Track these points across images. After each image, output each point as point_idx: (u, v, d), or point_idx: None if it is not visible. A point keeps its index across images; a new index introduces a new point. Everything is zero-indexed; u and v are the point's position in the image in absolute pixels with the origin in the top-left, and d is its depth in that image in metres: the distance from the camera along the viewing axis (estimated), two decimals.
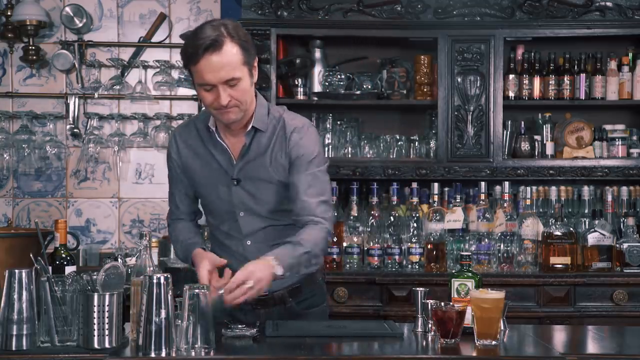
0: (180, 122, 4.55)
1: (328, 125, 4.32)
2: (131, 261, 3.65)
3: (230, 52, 2.42)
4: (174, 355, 2.13)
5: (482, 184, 4.09)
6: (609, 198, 4.24)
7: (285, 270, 2.43)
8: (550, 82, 4.31)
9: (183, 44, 2.53)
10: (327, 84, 4.32)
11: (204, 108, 2.67)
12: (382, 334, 2.44)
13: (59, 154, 4.54)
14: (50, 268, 2.35)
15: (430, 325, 2.45)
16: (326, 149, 4.27)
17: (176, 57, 4.55)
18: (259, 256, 2.50)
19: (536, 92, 4.32)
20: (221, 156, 2.63)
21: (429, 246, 3.98)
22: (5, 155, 4.48)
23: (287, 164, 2.60)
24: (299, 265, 2.49)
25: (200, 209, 2.82)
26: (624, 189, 4.28)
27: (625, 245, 3.97)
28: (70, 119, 4.54)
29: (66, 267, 2.50)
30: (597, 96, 4.31)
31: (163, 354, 2.12)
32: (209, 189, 2.67)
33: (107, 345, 2.18)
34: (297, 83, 4.30)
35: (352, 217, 4.09)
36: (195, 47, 2.41)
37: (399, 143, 4.34)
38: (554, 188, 4.25)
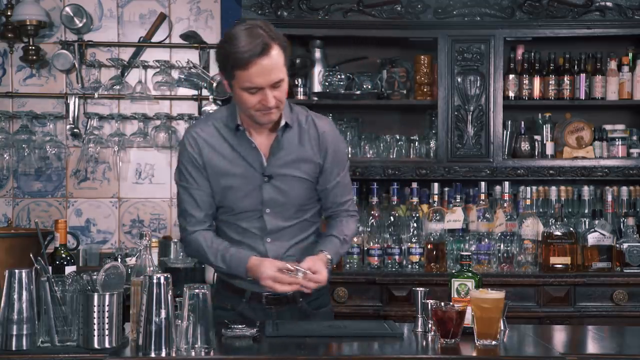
0: (180, 122, 4.56)
1: None
2: (131, 261, 3.66)
3: (277, 55, 2.46)
4: (174, 355, 2.14)
5: (482, 184, 4.09)
6: (609, 198, 4.24)
7: (333, 258, 2.65)
8: (550, 82, 4.32)
9: (222, 50, 2.50)
10: (327, 84, 4.32)
11: (222, 108, 2.68)
12: (382, 334, 2.44)
13: (59, 154, 4.54)
14: (50, 268, 2.35)
15: (430, 325, 2.45)
16: None
17: (176, 57, 4.56)
18: (278, 254, 2.61)
19: (536, 92, 4.32)
20: (250, 154, 2.62)
21: (429, 246, 3.98)
22: (5, 155, 4.48)
23: (321, 162, 2.67)
24: (339, 254, 2.74)
25: None
26: (624, 189, 4.28)
27: (625, 245, 3.97)
28: (70, 119, 4.54)
29: (66, 267, 2.50)
30: (597, 96, 4.31)
31: (163, 354, 2.12)
32: (235, 188, 2.63)
33: (107, 345, 2.18)
34: (297, 83, 4.31)
35: None
36: (244, 52, 2.41)
37: (399, 143, 4.34)
38: (554, 188, 4.25)
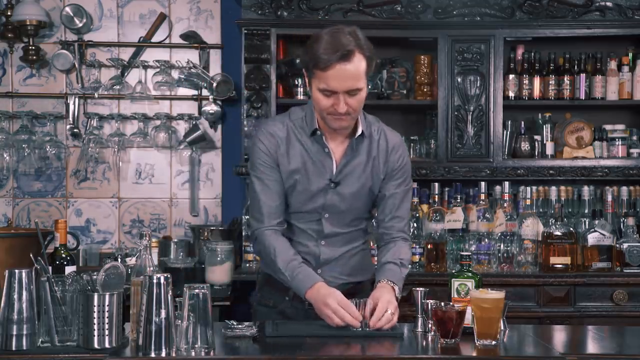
0: (180, 122, 4.56)
1: None
2: (131, 261, 3.65)
3: (358, 63, 2.48)
4: (174, 355, 2.14)
5: (482, 184, 4.09)
6: (609, 198, 4.24)
7: (399, 289, 2.61)
8: (550, 82, 4.32)
9: (307, 48, 2.54)
10: None
11: (296, 108, 2.71)
12: (382, 334, 2.43)
13: (59, 154, 4.54)
14: (50, 268, 2.34)
15: (430, 325, 2.45)
16: None
17: (176, 57, 4.55)
18: (330, 257, 2.66)
19: (536, 92, 4.32)
20: (321, 156, 2.64)
21: (429, 246, 3.98)
22: (5, 155, 4.48)
23: (383, 175, 2.69)
24: (401, 281, 2.66)
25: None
26: (624, 189, 4.28)
27: (625, 245, 3.97)
28: (70, 119, 4.54)
29: (66, 267, 2.50)
30: (597, 96, 4.31)
31: (163, 354, 2.12)
32: (300, 189, 2.65)
33: (107, 345, 2.18)
34: (297, 83, 4.31)
35: None
36: (330, 53, 2.45)
37: None
38: (554, 188, 4.25)
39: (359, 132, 2.64)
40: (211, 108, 4.51)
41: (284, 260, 2.58)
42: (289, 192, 2.67)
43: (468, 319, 2.34)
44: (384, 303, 2.46)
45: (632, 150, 4.31)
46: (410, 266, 2.75)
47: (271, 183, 2.65)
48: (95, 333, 2.17)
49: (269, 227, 2.64)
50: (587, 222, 4.20)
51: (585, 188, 4.26)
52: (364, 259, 2.80)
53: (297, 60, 4.31)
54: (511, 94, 4.30)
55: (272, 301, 2.73)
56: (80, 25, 4.48)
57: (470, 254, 2.56)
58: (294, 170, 2.64)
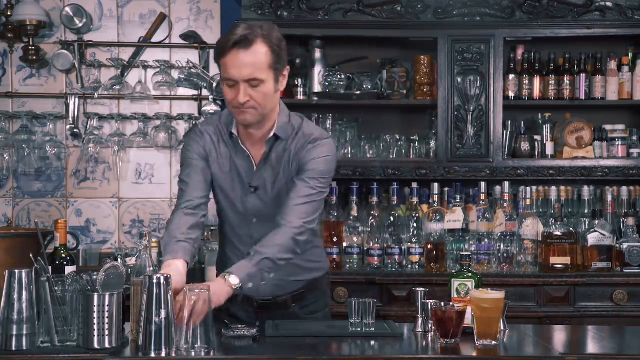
0: (180, 122, 4.56)
1: (328, 126, 4.31)
2: (131, 261, 3.65)
3: (259, 52, 2.42)
4: (174, 355, 2.14)
5: (482, 184, 4.09)
6: (609, 198, 4.24)
7: (243, 280, 2.39)
8: (550, 82, 4.31)
9: (220, 38, 2.51)
10: (327, 84, 4.32)
11: (226, 110, 2.67)
12: (382, 334, 2.44)
13: (59, 154, 4.54)
14: (50, 268, 2.35)
15: (430, 325, 2.45)
16: None
17: (176, 57, 4.56)
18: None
19: (536, 92, 4.32)
20: (242, 162, 2.62)
21: (429, 246, 3.98)
22: (5, 155, 4.48)
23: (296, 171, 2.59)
24: (261, 272, 2.44)
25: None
26: (624, 189, 4.28)
27: (625, 245, 3.97)
28: (70, 119, 4.53)
29: (66, 267, 2.50)
30: (597, 96, 4.31)
31: (163, 354, 2.12)
32: (224, 194, 2.65)
33: (107, 345, 2.18)
34: (297, 83, 4.30)
35: (352, 217, 4.09)
36: (226, 41, 2.42)
37: (399, 143, 4.34)
38: (554, 188, 4.25)
39: (271, 134, 2.58)
40: (211, 108, 4.51)
41: (167, 240, 2.51)
42: (218, 196, 2.65)
43: (468, 319, 2.35)
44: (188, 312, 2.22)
45: (632, 150, 4.31)
46: (271, 256, 2.45)
47: (194, 174, 2.61)
48: (95, 333, 2.17)
49: (178, 209, 2.60)
50: (587, 222, 4.20)
51: (585, 188, 4.26)
52: (311, 256, 2.70)
53: (297, 60, 4.31)
54: (511, 94, 4.30)
55: (225, 305, 2.58)
56: (80, 25, 4.48)
57: (470, 254, 2.56)
58: (220, 175, 2.63)
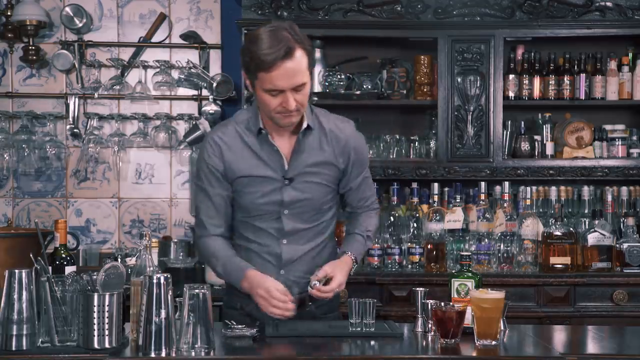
0: (180, 122, 4.56)
1: None
2: (131, 261, 3.66)
3: (300, 58, 2.48)
4: (174, 355, 2.14)
5: (482, 184, 4.09)
6: (609, 198, 4.24)
7: (357, 262, 2.75)
8: (550, 82, 4.32)
9: (246, 51, 2.50)
10: (327, 84, 4.32)
11: (242, 111, 2.72)
12: (382, 334, 2.44)
13: (59, 154, 4.54)
14: (50, 268, 2.35)
15: (430, 325, 2.45)
16: None
17: (176, 57, 4.56)
18: (292, 257, 2.64)
19: (536, 92, 4.32)
20: (271, 157, 2.63)
21: (429, 246, 3.98)
22: (5, 155, 4.48)
23: (342, 166, 2.69)
24: (364, 253, 2.86)
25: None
26: (624, 189, 4.28)
27: (625, 245, 3.97)
28: (70, 119, 4.53)
29: (66, 267, 2.50)
30: (597, 96, 4.31)
31: (163, 354, 2.12)
32: (255, 191, 2.64)
33: (107, 345, 2.18)
34: None
35: None
36: (270, 54, 2.43)
37: (399, 143, 4.34)
38: (554, 188, 4.25)
39: (305, 125, 2.63)
40: (211, 108, 4.51)
41: (216, 259, 2.66)
42: (244, 194, 2.65)
43: (468, 319, 2.35)
44: (336, 284, 2.59)
45: (632, 150, 4.31)
46: (372, 239, 2.87)
47: (214, 197, 2.67)
48: (95, 333, 2.17)
49: (210, 235, 2.68)
50: (587, 222, 4.20)
51: (585, 188, 4.26)
52: (330, 257, 2.75)
53: None
54: (511, 94, 4.30)
55: (239, 304, 2.71)
56: (80, 25, 4.48)
57: (470, 254, 2.56)
58: (246, 173, 2.63)
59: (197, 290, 2.18)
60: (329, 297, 2.60)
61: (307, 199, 2.65)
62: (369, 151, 4.27)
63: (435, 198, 4.12)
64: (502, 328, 2.43)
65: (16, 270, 2.20)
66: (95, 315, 2.17)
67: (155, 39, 4.60)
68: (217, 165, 2.64)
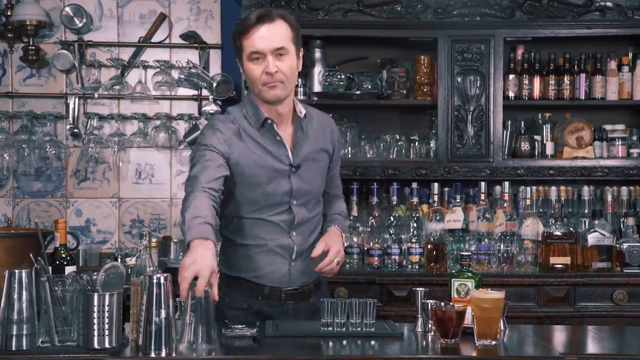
0: (180, 122, 4.56)
1: None
2: (131, 261, 3.65)
3: (281, 25, 2.60)
4: (174, 355, 2.14)
5: (482, 184, 4.09)
6: (609, 198, 4.24)
7: (345, 233, 2.92)
8: (550, 82, 4.32)
9: (236, 26, 2.69)
10: (327, 84, 4.32)
11: (241, 104, 2.72)
12: (382, 334, 2.44)
13: (59, 154, 4.54)
14: (50, 268, 2.35)
15: (430, 325, 2.45)
16: None
17: (176, 57, 4.56)
18: (303, 247, 2.69)
19: (536, 92, 4.32)
20: (275, 147, 2.67)
21: (429, 246, 3.98)
22: (5, 155, 4.48)
23: (332, 152, 2.82)
24: (346, 229, 3.00)
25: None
26: (624, 189, 4.28)
27: (625, 245, 3.97)
28: (70, 119, 4.54)
29: (66, 267, 2.50)
30: (597, 96, 4.31)
31: (163, 354, 2.12)
32: (264, 183, 2.64)
33: (107, 345, 2.18)
34: (297, 83, 4.29)
35: (352, 217, 4.09)
36: (248, 19, 2.59)
37: (399, 143, 4.34)
38: (554, 188, 4.25)
39: (303, 113, 2.71)
40: (211, 108, 4.51)
41: (193, 211, 2.38)
42: (254, 188, 2.63)
43: (468, 319, 2.35)
44: (334, 253, 2.64)
45: (632, 150, 4.31)
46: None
47: (213, 164, 2.53)
48: (95, 333, 2.17)
49: (200, 189, 2.46)
50: (587, 222, 4.20)
51: (585, 188, 4.26)
52: None
53: None
54: (511, 94, 4.30)
55: (247, 303, 2.69)
56: (80, 25, 4.48)
57: (470, 254, 2.56)
58: (252, 166, 2.62)
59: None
60: (334, 269, 2.66)
61: (312, 185, 2.73)
62: (368, 151, 4.32)
63: (435, 198, 4.12)
64: (502, 328, 2.43)
65: (16, 270, 2.21)
66: (95, 315, 2.17)
67: (155, 39, 4.60)
68: (221, 147, 2.56)
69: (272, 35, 2.57)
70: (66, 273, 2.43)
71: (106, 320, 2.18)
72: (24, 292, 2.20)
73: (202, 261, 2.22)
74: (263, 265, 2.68)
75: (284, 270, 2.68)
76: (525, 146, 4.31)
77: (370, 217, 4.11)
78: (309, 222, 2.74)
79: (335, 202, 2.92)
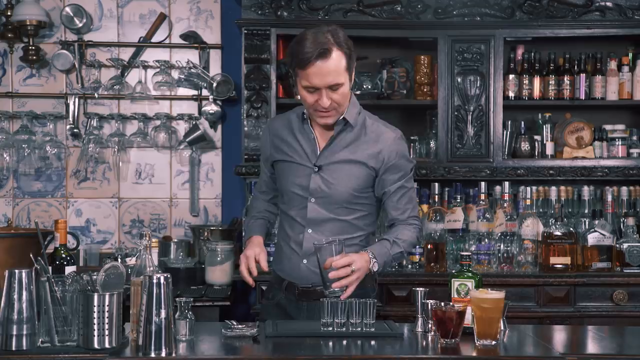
0: (180, 122, 4.57)
1: None
2: (131, 261, 3.65)
3: (337, 59, 2.61)
4: (174, 355, 2.14)
5: (482, 184, 4.09)
6: (609, 198, 4.24)
7: (380, 267, 2.66)
8: (550, 82, 4.32)
9: (290, 50, 2.69)
10: None
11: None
12: (382, 334, 2.44)
13: (59, 154, 4.54)
14: (50, 268, 2.35)
15: (430, 325, 2.45)
16: None
17: (176, 57, 4.56)
18: (311, 246, 2.69)
19: (536, 92, 4.32)
20: (307, 143, 2.79)
21: (429, 246, 3.98)
22: (5, 155, 4.48)
23: (375, 166, 2.74)
24: (391, 262, 2.75)
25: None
26: (624, 189, 4.28)
27: (625, 245, 3.97)
28: (70, 119, 4.53)
29: (66, 267, 2.50)
30: (597, 96, 4.31)
31: (163, 354, 2.12)
32: (288, 173, 2.80)
33: (107, 345, 2.18)
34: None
35: None
36: (306, 53, 2.59)
37: None
38: (554, 188, 4.25)
39: (342, 118, 2.74)
40: (211, 108, 4.51)
41: (249, 219, 2.98)
42: (280, 174, 2.85)
43: (468, 319, 2.35)
44: (345, 260, 2.53)
45: (632, 150, 4.31)
46: (404, 251, 2.74)
47: (263, 174, 2.99)
48: (95, 333, 2.17)
49: (258, 197, 3.03)
50: (587, 222, 4.20)
51: (585, 188, 4.26)
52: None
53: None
54: (511, 94, 4.30)
55: (272, 294, 2.89)
56: (80, 25, 4.48)
57: (470, 254, 2.56)
58: (284, 154, 2.81)
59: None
60: (342, 283, 2.53)
61: (333, 189, 2.74)
62: None
63: (436, 198, 4.13)
64: (502, 328, 2.43)
65: (16, 270, 2.21)
66: (95, 315, 2.17)
67: (155, 39, 4.60)
68: (264, 152, 2.93)
69: (327, 73, 2.60)
70: (66, 273, 2.44)
71: (106, 320, 2.18)
72: (24, 292, 2.20)
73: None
74: (283, 259, 2.83)
75: (298, 266, 2.77)
76: (525, 146, 4.31)
77: None
78: (328, 223, 2.74)
79: (395, 228, 2.79)
